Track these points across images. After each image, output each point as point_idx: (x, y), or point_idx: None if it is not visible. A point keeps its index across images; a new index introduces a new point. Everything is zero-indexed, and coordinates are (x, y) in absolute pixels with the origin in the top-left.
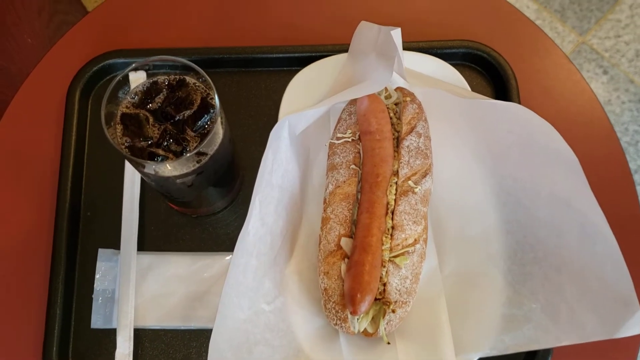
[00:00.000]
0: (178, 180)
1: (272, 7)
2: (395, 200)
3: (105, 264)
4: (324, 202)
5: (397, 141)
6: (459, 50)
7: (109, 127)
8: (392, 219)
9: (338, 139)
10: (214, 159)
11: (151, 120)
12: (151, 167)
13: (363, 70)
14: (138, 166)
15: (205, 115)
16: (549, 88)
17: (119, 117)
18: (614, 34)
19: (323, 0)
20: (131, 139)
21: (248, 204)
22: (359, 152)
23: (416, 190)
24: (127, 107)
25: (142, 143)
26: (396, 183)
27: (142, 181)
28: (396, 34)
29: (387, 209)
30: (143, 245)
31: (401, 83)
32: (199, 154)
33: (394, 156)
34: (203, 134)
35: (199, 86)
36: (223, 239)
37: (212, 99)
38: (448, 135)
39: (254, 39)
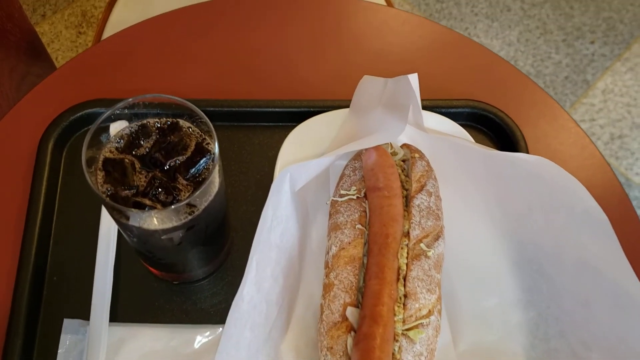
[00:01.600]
0: (164, 236)
1: (267, 60)
2: (407, 264)
3: (70, 337)
4: (326, 266)
5: (406, 200)
6: (464, 109)
7: (89, 172)
8: (405, 285)
9: (341, 196)
10: (207, 212)
11: (137, 166)
12: (136, 218)
13: (368, 125)
14: (121, 217)
15: (201, 162)
16: (558, 151)
17: (100, 162)
18: (588, 118)
19: (321, 56)
20: (114, 187)
21: (237, 270)
22: (365, 211)
23: (429, 254)
24: (110, 152)
25: (127, 192)
26: (407, 245)
27: (119, 242)
28: (413, 78)
29: (399, 274)
30: (116, 315)
31: (406, 139)
32: (191, 205)
33: (404, 216)
34: (197, 183)
35: (193, 130)
36: (207, 310)
37: (208, 144)
38: (459, 195)
39: (248, 92)
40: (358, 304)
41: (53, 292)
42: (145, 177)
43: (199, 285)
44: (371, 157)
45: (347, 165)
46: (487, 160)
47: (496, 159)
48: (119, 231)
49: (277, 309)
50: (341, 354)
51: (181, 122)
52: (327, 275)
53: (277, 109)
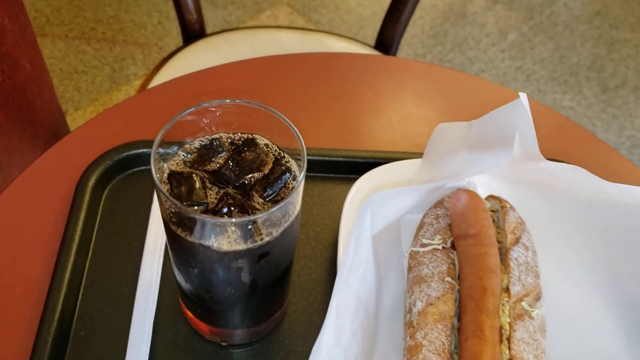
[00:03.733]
0: (233, 264)
1: (325, 111)
2: (509, 324)
3: None
4: (410, 325)
5: (501, 252)
6: None
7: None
8: (510, 348)
9: (423, 246)
10: (283, 238)
11: (207, 182)
12: (210, 232)
13: (454, 169)
14: (188, 234)
15: (281, 179)
16: None
17: (165, 175)
18: None
19: (379, 110)
20: (180, 202)
21: (295, 334)
22: (453, 263)
23: (533, 314)
24: (177, 165)
25: (195, 208)
26: (507, 302)
27: (160, 296)
28: (523, 97)
29: (501, 334)
30: None
31: (489, 191)
32: (270, 223)
33: (501, 269)
34: (275, 202)
35: (271, 147)
36: None
37: (287, 162)
38: (557, 250)
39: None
40: None
41: (79, 349)
42: (217, 193)
43: (252, 349)
44: (460, 200)
45: (426, 214)
46: (592, 209)
47: (606, 208)
48: (161, 282)
49: None
50: None
51: (258, 138)
52: (412, 336)
53: (340, 158)
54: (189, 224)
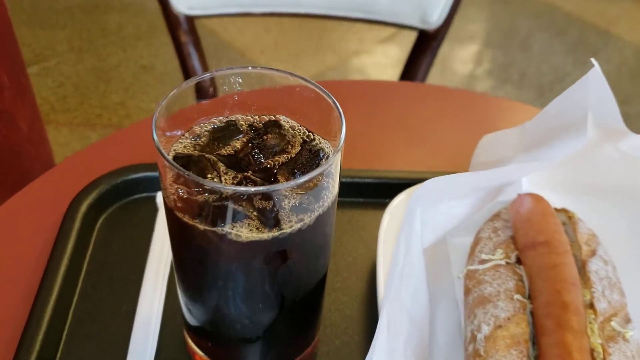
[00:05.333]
0: (254, 265)
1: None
2: (602, 346)
3: None
4: (476, 355)
5: (576, 265)
6: None
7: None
8: None
9: (482, 262)
10: (316, 230)
11: (222, 167)
12: (228, 212)
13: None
14: (203, 213)
15: (312, 162)
16: None
17: (170, 159)
18: None
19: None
20: (187, 190)
21: None
22: (521, 279)
23: (628, 336)
24: (185, 148)
25: (207, 196)
26: (595, 320)
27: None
28: (597, 66)
29: (593, 357)
30: None
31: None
32: (302, 207)
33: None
34: (306, 188)
35: (299, 130)
36: None
37: (319, 143)
38: (630, 266)
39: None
40: None
41: None
42: (234, 179)
43: None
44: (524, 205)
45: (481, 229)
46: None
47: None
48: (162, 319)
49: None
50: None
51: (282, 119)
52: None
53: (370, 180)
54: (199, 203)
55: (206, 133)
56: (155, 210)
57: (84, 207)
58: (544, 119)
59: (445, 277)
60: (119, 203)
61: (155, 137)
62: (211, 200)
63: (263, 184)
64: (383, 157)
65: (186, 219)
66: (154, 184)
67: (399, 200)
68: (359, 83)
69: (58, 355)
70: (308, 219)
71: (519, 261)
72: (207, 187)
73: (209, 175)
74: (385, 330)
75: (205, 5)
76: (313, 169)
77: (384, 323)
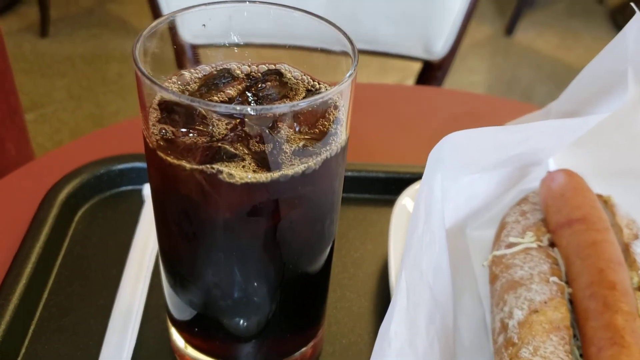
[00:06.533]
0: (254, 208)
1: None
2: None
3: None
4: (507, 345)
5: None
6: None
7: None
8: None
9: (510, 246)
10: (323, 175)
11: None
12: (225, 155)
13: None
14: (200, 150)
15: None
16: None
17: (156, 103)
18: None
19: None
20: (173, 129)
21: None
22: (556, 263)
23: None
24: (172, 94)
25: (195, 138)
26: None
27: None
28: (636, 19)
29: None
30: None
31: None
32: (306, 152)
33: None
34: (313, 138)
35: (303, 78)
36: None
37: (323, 90)
38: None
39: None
40: None
41: None
42: (227, 124)
43: None
44: (556, 180)
45: (508, 214)
46: None
47: None
48: (144, 314)
49: None
50: None
51: (284, 68)
52: (516, 355)
53: (377, 174)
54: (187, 136)
55: (197, 80)
56: (140, 203)
57: (62, 196)
58: (575, 90)
59: (466, 271)
60: (103, 195)
61: (136, 54)
62: (200, 130)
63: (261, 130)
64: (392, 155)
65: (171, 159)
66: (141, 176)
67: (410, 193)
68: (369, 86)
69: (25, 345)
70: (313, 163)
71: (551, 245)
72: (196, 110)
73: (198, 117)
74: (405, 297)
75: (209, 34)
76: (318, 116)
77: (403, 288)
